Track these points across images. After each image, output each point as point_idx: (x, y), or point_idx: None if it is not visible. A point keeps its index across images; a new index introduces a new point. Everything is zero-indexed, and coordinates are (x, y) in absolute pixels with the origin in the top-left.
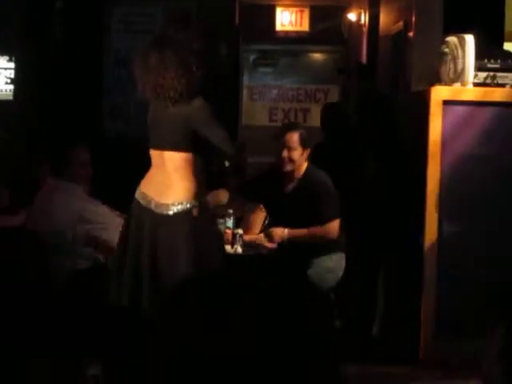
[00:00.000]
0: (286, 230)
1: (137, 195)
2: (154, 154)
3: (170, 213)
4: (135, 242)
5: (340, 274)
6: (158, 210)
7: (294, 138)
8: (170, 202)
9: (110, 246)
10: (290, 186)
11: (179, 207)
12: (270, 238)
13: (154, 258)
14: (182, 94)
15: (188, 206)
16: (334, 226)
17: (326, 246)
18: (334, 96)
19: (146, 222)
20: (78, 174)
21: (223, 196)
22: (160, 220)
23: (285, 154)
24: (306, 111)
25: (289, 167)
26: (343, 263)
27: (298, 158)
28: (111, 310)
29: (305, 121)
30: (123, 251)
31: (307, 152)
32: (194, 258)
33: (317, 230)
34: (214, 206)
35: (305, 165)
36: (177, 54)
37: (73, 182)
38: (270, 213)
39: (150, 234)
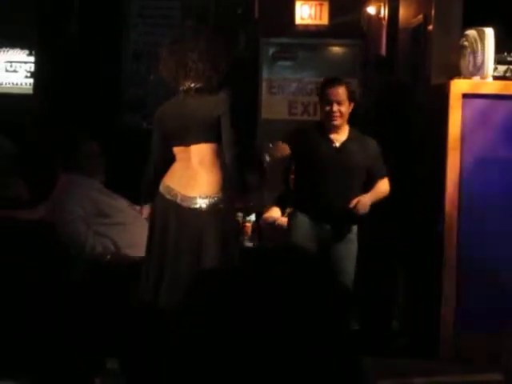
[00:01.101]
0: (367, 197)
1: (161, 189)
2: (177, 150)
3: (197, 206)
4: (160, 236)
5: None
6: (184, 204)
7: (341, 91)
8: (196, 195)
9: (122, 254)
10: (341, 138)
11: (206, 200)
12: (359, 209)
13: (178, 252)
14: (209, 80)
15: (215, 199)
16: (387, 183)
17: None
18: (354, 89)
19: (172, 216)
20: (88, 167)
21: (285, 148)
22: (186, 213)
23: (335, 107)
24: None
25: (339, 121)
26: None
27: (346, 112)
28: (130, 304)
29: None
30: (150, 246)
31: (352, 106)
32: (220, 250)
33: (382, 187)
34: (275, 158)
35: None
36: (208, 40)
37: (87, 175)
38: (311, 168)
39: (176, 228)
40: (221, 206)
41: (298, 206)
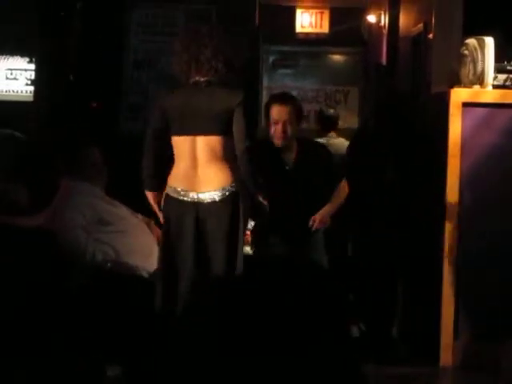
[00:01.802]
0: (325, 212)
1: (171, 193)
2: (182, 140)
3: (216, 198)
4: (176, 238)
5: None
6: (201, 199)
7: (288, 109)
8: (211, 189)
9: (122, 262)
10: (291, 157)
11: (222, 192)
12: (317, 227)
13: (198, 249)
14: (221, 75)
15: (231, 189)
16: (345, 185)
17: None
18: (354, 98)
19: (188, 216)
20: (90, 174)
21: None
22: (204, 208)
23: (280, 127)
24: None
25: (285, 141)
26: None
27: (294, 131)
28: (132, 310)
29: None
30: (167, 252)
31: (299, 122)
32: (239, 240)
33: (340, 194)
34: None
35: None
36: (221, 38)
37: (88, 182)
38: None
39: (194, 225)
40: (234, 194)
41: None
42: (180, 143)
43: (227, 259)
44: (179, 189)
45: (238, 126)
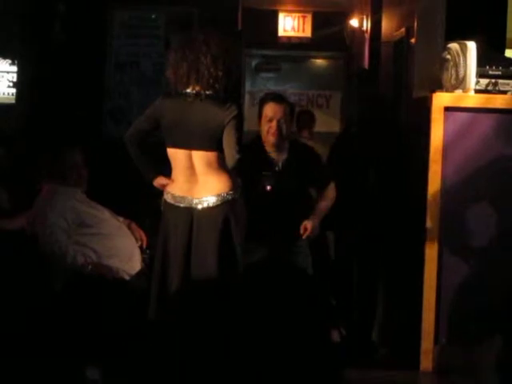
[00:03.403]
0: (314, 219)
1: (168, 199)
2: (178, 153)
3: (211, 204)
4: (170, 242)
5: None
6: (196, 204)
7: (283, 108)
8: (208, 194)
9: (104, 265)
10: (282, 158)
11: (217, 198)
12: (308, 235)
13: (189, 254)
14: (221, 86)
15: (227, 196)
16: (333, 187)
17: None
18: (336, 102)
19: (182, 221)
20: (71, 176)
21: None
22: (199, 213)
23: (274, 125)
24: None
25: (279, 140)
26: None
27: (287, 130)
28: (112, 313)
29: None
30: (163, 256)
31: (292, 122)
32: (235, 245)
33: (328, 197)
34: None
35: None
36: (220, 44)
37: (70, 185)
38: (255, 191)
39: (188, 231)
40: (233, 201)
41: None
42: (176, 155)
43: (219, 264)
44: (176, 195)
45: (227, 140)
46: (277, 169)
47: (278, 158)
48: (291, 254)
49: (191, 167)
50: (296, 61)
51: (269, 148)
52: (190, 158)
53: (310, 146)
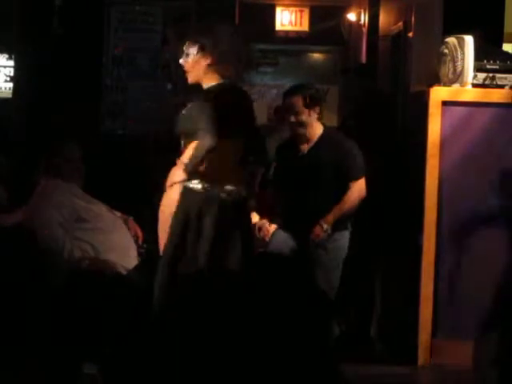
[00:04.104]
0: (328, 219)
1: (192, 185)
2: (226, 143)
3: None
4: (185, 229)
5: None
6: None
7: (296, 101)
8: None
9: (101, 259)
10: (309, 146)
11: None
12: (314, 239)
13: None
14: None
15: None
16: (360, 186)
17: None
18: (334, 96)
19: (207, 211)
20: (68, 171)
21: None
22: (222, 204)
23: (292, 119)
24: None
25: (300, 130)
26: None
27: (307, 119)
28: (109, 308)
29: None
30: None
31: (316, 110)
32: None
33: (351, 197)
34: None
35: (319, 127)
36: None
37: (66, 179)
38: (282, 182)
39: (211, 221)
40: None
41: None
42: (224, 145)
43: (238, 254)
44: (206, 185)
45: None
46: (301, 154)
47: (305, 147)
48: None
49: (228, 159)
50: (293, 55)
51: (296, 139)
52: (231, 149)
53: (341, 139)
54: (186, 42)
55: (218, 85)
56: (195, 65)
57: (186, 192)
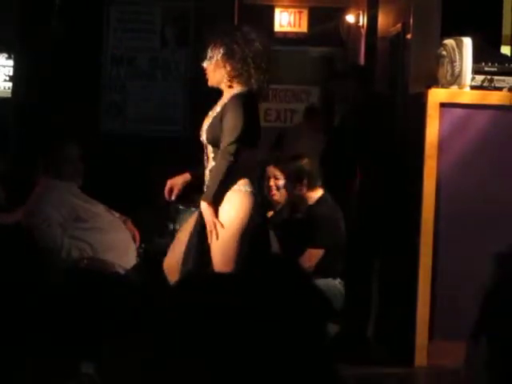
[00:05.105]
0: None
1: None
2: (252, 154)
3: None
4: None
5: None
6: None
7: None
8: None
9: (98, 260)
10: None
11: None
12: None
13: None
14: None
15: None
16: (315, 253)
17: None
18: (331, 97)
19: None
20: (67, 171)
21: None
22: None
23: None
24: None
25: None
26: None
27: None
28: (107, 307)
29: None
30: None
31: (303, 185)
32: None
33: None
34: None
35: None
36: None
37: (65, 179)
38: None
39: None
40: None
41: None
42: (249, 156)
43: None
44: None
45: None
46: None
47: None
48: None
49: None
50: (292, 56)
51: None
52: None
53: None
54: (210, 45)
55: (247, 91)
56: (217, 68)
57: (248, 196)
